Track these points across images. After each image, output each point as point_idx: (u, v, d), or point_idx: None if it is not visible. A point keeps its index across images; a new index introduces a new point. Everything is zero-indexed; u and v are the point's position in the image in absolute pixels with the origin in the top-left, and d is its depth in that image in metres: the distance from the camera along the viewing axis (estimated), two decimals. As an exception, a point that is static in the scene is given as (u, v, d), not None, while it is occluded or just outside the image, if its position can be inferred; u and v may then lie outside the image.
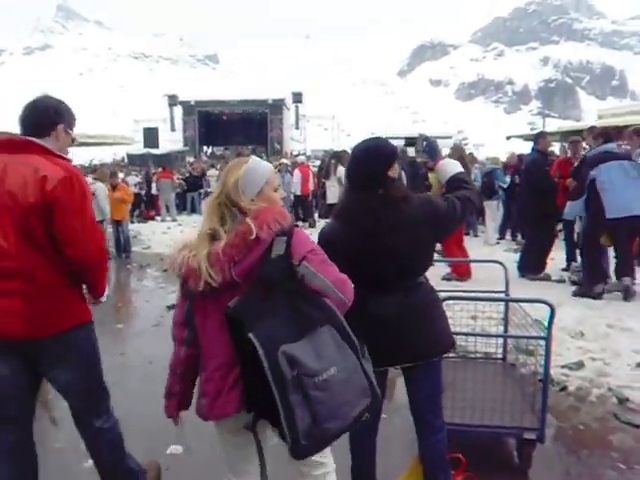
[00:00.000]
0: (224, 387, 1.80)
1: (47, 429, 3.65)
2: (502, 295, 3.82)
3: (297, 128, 44.74)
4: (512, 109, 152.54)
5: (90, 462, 2.74)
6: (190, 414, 3.57)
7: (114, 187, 10.33)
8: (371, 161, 2.28)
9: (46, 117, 2.30)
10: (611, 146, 5.90)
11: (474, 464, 2.74)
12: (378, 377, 2.32)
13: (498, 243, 10.29)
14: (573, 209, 6.15)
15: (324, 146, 45.47)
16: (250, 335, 1.61)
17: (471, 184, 2.52)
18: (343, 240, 2.24)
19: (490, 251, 9.24)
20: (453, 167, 2.51)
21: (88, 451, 2.58)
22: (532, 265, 7.01)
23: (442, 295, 2.68)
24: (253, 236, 1.71)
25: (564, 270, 7.36)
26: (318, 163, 20.20)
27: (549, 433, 3.48)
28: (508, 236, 10.79)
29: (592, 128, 7.25)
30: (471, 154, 12.77)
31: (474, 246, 8.79)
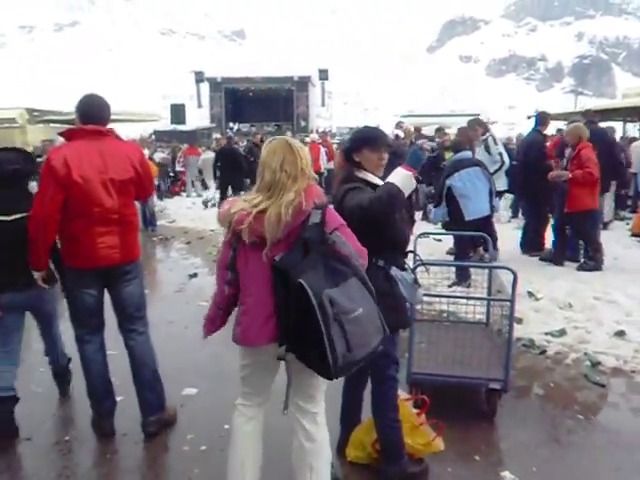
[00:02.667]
0: (257, 320, 2.26)
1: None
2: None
3: (323, 105, 44.76)
4: (544, 87, 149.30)
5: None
6: (202, 362, 4.09)
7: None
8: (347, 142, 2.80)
9: (106, 113, 3.22)
10: (465, 154, 6.26)
11: (446, 412, 3.16)
12: None
13: (509, 221, 10.56)
14: (437, 214, 6.49)
15: (350, 123, 45.55)
16: (301, 281, 2.06)
17: (381, 194, 2.43)
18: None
19: (501, 228, 9.52)
20: (391, 175, 2.50)
21: (133, 360, 3.33)
22: (531, 243, 7.33)
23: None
24: (304, 208, 2.18)
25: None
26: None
27: (521, 390, 3.90)
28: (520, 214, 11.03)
29: (587, 111, 7.61)
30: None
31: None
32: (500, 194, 7.35)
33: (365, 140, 2.67)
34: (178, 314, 5.52)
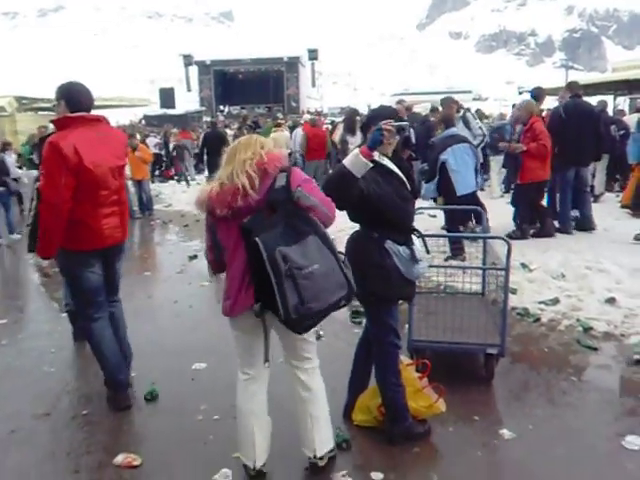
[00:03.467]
0: (242, 286, 2.40)
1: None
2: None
3: (314, 86, 44.59)
4: (535, 62, 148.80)
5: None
6: (208, 339, 4.23)
7: (134, 148, 10.80)
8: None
9: (91, 100, 3.33)
10: (454, 130, 6.45)
11: (446, 378, 3.30)
12: None
13: (502, 196, 10.69)
14: (428, 189, 6.58)
15: (341, 103, 45.41)
16: (256, 239, 2.22)
17: (331, 174, 2.64)
18: None
19: (493, 204, 9.66)
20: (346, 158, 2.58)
21: (118, 325, 3.62)
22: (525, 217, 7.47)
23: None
24: (267, 169, 2.34)
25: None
26: (333, 119, 20.25)
27: (516, 355, 4.07)
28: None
29: (571, 83, 7.73)
30: (479, 110, 12.98)
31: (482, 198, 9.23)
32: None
33: (379, 116, 2.77)
34: (181, 294, 5.65)
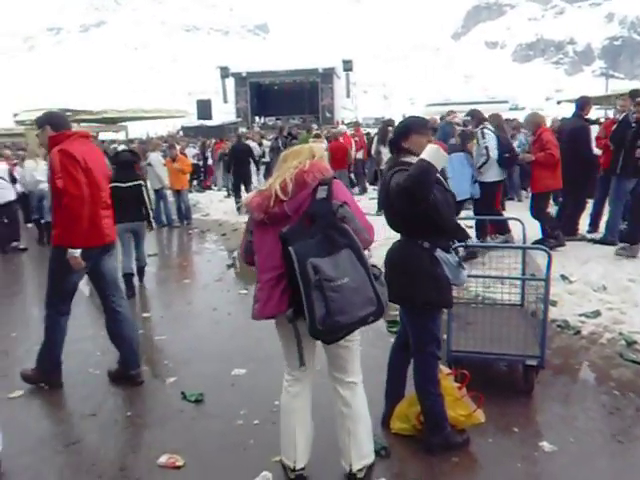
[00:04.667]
0: (274, 294, 2.44)
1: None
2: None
3: (348, 96, 44.79)
4: (574, 70, 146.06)
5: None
6: (247, 346, 4.31)
7: (173, 159, 11.08)
8: (393, 134, 2.96)
9: (69, 123, 3.97)
10: (452, 140, 6.98)
11: (485, 389, 3.28)
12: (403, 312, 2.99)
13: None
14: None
15: (375, 114, 45.53)
16: (290, 248, 2.28)
17: (412, 171, 2.54)
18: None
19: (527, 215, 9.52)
20: (424, 152, 2.57)
21: (125, 322, 3.99)
22: (566, 227, 7.34)
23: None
24: (307, 179, 2.40)
25: (588, 232, 7.66)
26: (368, 131, 20.36)
27: (557, 368, 4.01)
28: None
29: (634, 91, 7.42)
30: (515, 120, 12.84)
31: (515, 209, 9.12)
32: (495, 185, 7.29)
33: (413, 126, 2.85)
34: (220, 301, 5.76)
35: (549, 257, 3.31)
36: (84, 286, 6.87)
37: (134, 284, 6.35)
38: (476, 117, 7.58)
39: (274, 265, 2.44)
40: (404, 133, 2.85)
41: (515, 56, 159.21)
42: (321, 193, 2.39)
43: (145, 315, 5.56)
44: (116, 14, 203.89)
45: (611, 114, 13.49)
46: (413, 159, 2.71)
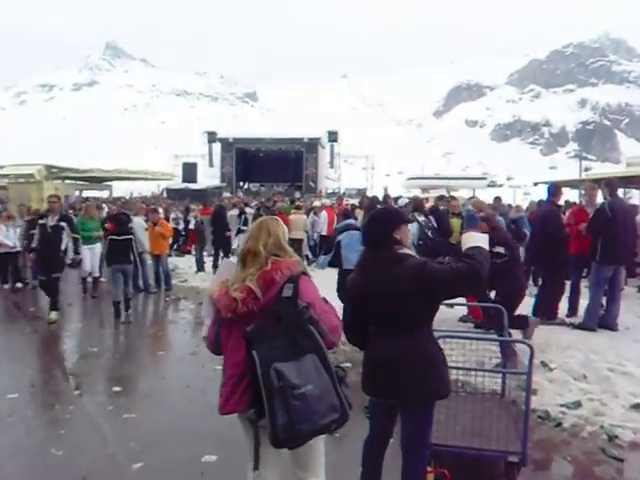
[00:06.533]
0: (236, 391, 2.36)
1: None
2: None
3: (332, 167, 45.71)
4: (549, 151, 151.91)
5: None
6: (220, 428, 4.12)
7: (154, 223, 10.99)
8: (378, 224, 2.86)
9: None
10: (351, 220, 7.60)
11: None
12: (380, 406, 2.87)
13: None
14: (325, 260, 7.49)
15: (358, 185, 46.39)
16: (253, 352, 2.21)
17: (477, 258, 2.56)
18: (352, 286, 2.83)
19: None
20: (469, 240, 2.67)
21: None
22: (545, 311, 7.38)
23: (437, 334, 3.14)
24: (275, 277, 2.35)
25: (567, 316, 7.71)
26: (352, 202, 20.71)
27: (538, 462, 3.90)
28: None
29: (610, 180, 7.75)
30: (498, 198, 13.10)
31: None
32: None
33: (403, 216, 2.92)
34: (194, 378, 5.56)
35: (531, 351, 3.28)
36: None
37: (120, 310, 8.23)
38: (411, 203, 8.76)
39: (238, 361, 2.37)
40: (398, 224, 2.80)
41: (493, 135, 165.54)
42: (287, 291, 2.33)
43: (116, 389, 5.31)
44: (109, 74, 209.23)
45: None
46: (406, 250, 2.72)
